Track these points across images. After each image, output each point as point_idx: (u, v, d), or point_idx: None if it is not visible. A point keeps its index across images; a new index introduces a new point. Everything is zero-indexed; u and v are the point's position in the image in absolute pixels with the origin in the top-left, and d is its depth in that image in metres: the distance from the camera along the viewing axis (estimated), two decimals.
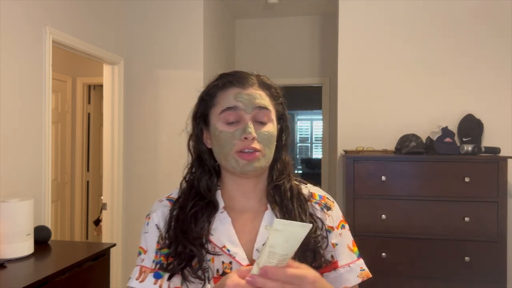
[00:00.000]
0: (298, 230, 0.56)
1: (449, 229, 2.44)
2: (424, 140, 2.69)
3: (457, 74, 2.86)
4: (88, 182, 4.42)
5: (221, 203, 0.82)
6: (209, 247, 0.77)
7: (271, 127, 0.80)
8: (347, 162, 2.56)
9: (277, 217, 0.79)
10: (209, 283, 0.75)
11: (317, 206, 0.85)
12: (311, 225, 0.56)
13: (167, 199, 0.86)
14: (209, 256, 0.76)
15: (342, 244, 0.84)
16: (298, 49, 4.12)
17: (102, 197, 3.16)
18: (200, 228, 0.77)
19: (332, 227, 0.84)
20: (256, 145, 0.77)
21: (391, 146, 2.83)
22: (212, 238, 0.78)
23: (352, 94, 3.01)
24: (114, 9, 3.03)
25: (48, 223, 2.28)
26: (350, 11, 3.04)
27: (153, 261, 0.79)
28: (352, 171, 2.54)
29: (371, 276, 0.84)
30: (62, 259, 1.86)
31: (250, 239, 0.78)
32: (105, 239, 3.10)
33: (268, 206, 0.81)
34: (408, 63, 2.93)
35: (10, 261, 1.71)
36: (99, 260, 1.95)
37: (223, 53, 3.80)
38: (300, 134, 9.21)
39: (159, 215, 0.83)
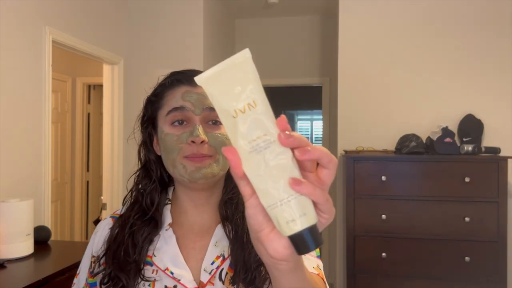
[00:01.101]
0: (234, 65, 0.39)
1: (449, 229, 2.44)
2: (424, 140, 2.69)
3: (457, 74, 2.86)
4: (88, 182, 4.42)
5: (168, 219, 0.72)
6: (150, 270, 0.68)
7: None
8: (347, 162, 2.56)
9: (227, 234, 0.69)
10: None
11: None
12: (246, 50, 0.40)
13: (111, 216, 0.78)
14: (148, 280, 0.68)
15: None
16: (298, 49, 4.11)
17: (102, 197, 3.15)
18: (137, 252, 0.68)
19: None
20: (206, 150, 0.67)
21: (391, 146, 2.83)
22: (154, 259, 0.69)
23: (352, 94, 3.01)
24: (113, 9, 3.03)
25: (48, 223, 2.28)
26: (350, 11, 3.04)
27: None
28: (352, 171, 2.54)
29: (325, 280, 0.71)
30: (62, 259, 1.85)
31: (200, 257, 0.69)
32: None
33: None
34: (408, 63, 2.93)
35: (10, 261, 1.70)
36: None
37: (223, 53, 3.79)
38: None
39: (99, 235, 0.76)
